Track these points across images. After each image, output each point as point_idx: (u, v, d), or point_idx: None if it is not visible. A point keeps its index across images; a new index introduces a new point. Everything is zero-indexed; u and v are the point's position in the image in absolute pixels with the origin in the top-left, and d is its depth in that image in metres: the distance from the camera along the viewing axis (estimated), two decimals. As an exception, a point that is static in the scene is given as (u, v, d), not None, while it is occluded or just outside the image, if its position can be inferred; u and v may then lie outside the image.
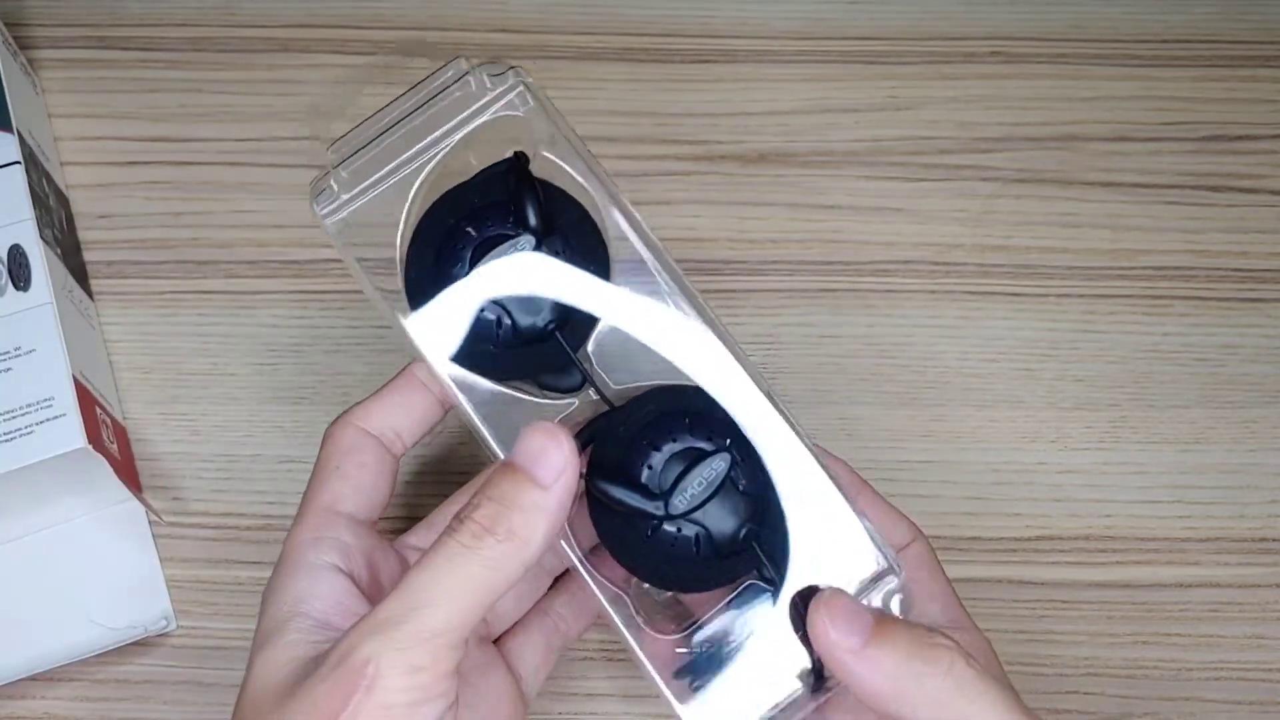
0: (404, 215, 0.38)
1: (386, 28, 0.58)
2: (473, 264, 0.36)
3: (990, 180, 0.55)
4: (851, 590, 0.35)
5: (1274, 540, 0.48)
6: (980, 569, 0.46)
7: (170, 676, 0.45)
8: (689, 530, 0.35)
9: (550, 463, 0.33)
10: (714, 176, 0.55)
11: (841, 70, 0.57)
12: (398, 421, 0.38)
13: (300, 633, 0.34)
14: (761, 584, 0.36)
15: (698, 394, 0.37)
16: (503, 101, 0.38)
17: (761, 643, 0.36)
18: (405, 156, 0.38)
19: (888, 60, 0.57)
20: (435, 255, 0.37)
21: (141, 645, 0.45)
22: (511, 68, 0.39)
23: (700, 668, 0.36)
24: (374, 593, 0.36)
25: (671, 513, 0.35)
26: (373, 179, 0.38)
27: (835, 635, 0.33)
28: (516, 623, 0.41)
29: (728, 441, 0.36)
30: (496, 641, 0.40)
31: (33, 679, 0.44)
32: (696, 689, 0.36)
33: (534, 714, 0.44)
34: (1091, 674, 0.47)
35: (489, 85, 0.38)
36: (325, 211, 0.38)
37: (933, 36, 0.58)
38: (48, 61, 0.57)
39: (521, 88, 0.38)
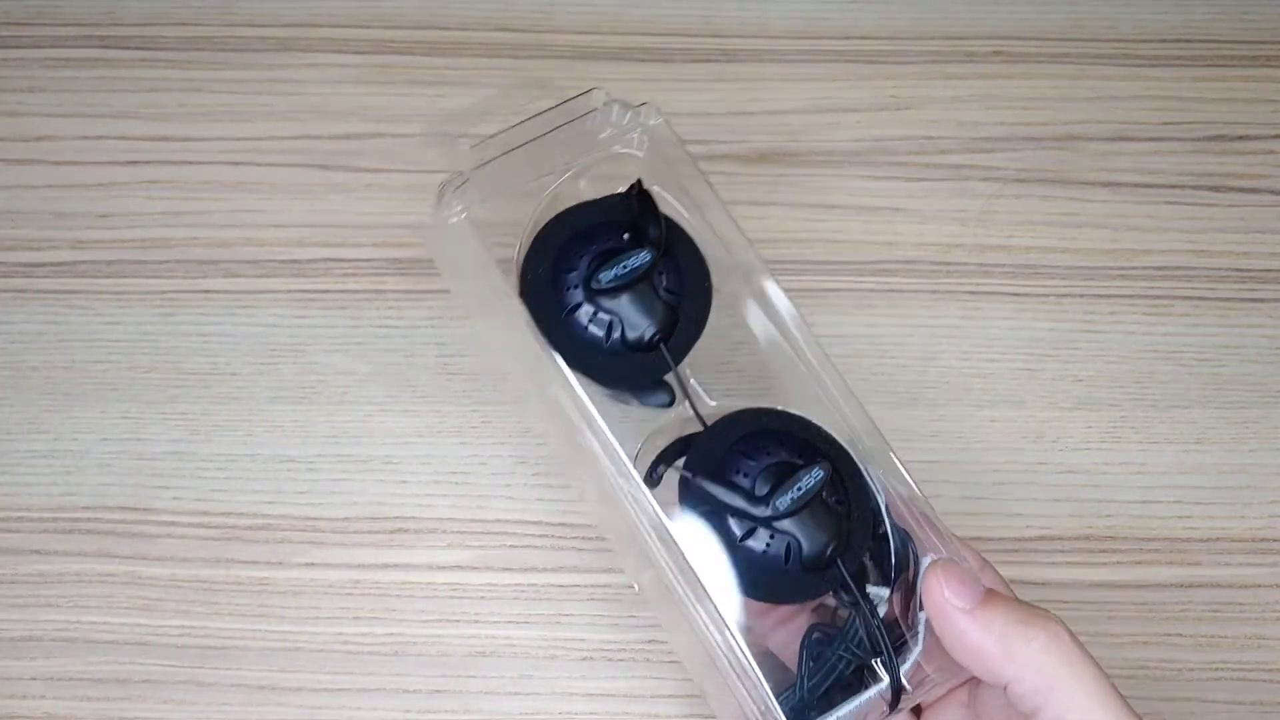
0: (530, 223, 0.40)
1: (387, 27, 0.58)
2: (590, 271, 0.38)
3: (991, 180, 0.55)
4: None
5: (1274, 540, 0.48)
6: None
7: (170, 676, 0.45)
8: (780, 539, 0.36)
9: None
10: (714, 176, 0.54)
11: (842, 70, 0.57)
12: None
13: None
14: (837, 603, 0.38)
15: (791, 417, 0.39)
16: (630, 136, 0.42)
17: (842, 663, 0.37)
18: (535, 171, 0.41)
19: (888, 60, 0.57)
20: (555, 260, 0.39)
21: (141, 645, 0.45)
22: (644, 104, 0.41)
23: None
24: None
25: (771, 515, 0.36)
26: (503, 187, 0.41)
27: (950, 594, 0.35)
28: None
29: (822, 459, 0.37)
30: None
31: (33, 678, 0.44)
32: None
33: (534, 714, 0.44)
34: (1092, 674, 0.47)
35: (623, 120, 0.41)
36: (455, 209, 0.40)
37: (933, 36, 0.58)
38: (48, 61, 0.57)
39: (641, 127, 0.41)
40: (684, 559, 0.37)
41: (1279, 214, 0.54)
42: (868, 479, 0.39)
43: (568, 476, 0.44)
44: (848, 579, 0.37)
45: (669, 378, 0.40)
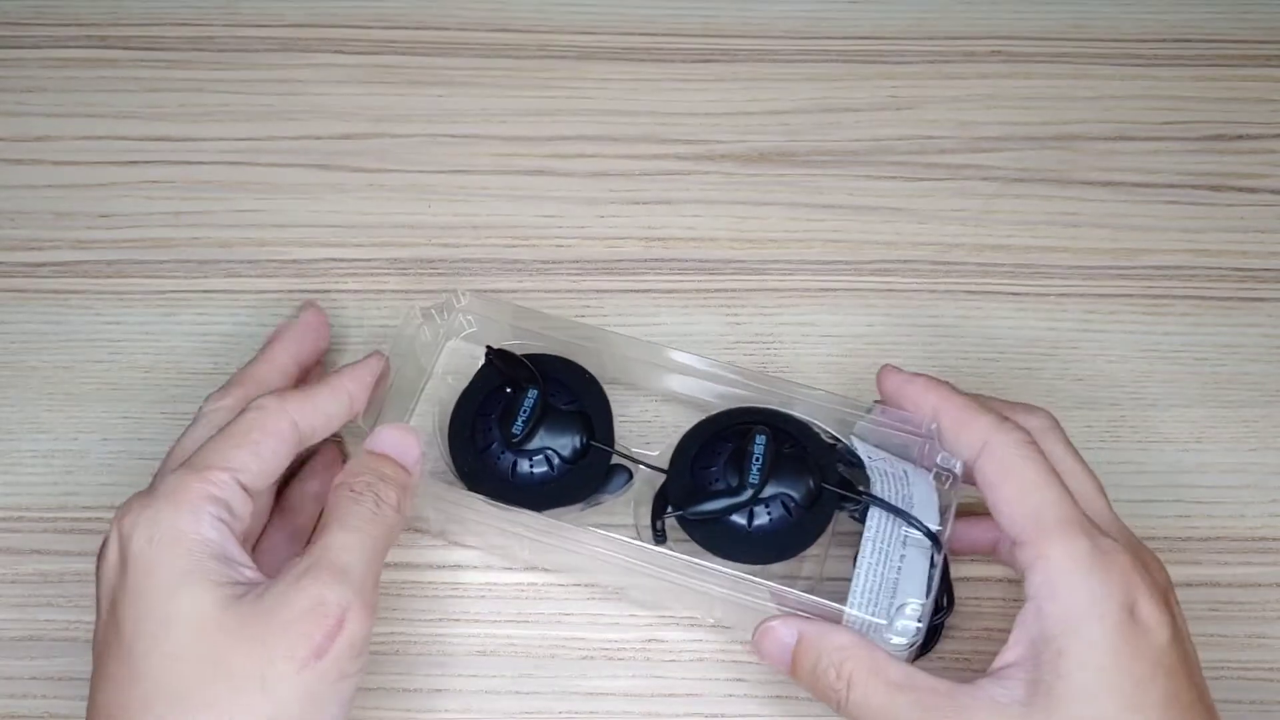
0: (435, 430, 0.46)
1: (387, 27, 0.58)
2: (504, 433, 0.44)
3: (991, 180, 0.55)
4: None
5: (1274, 540, 0.48)
6: (981, 568, 0.46)
7: (171, 676, 0.45)
8: (775, 503, 0.42)
9: (410, 452, 0.40)
10: (714, 176, 0.55)
11: (842, 70, 0.57)
12: (319, 422, 0.41)
13: (218, 577, 0.36)
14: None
15: (713, 417, 0.45)
16: (458, 325, 0.48)
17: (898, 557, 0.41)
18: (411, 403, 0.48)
19: (888, 60, 0.58)
20: (476, 445, 0.44)
21: (142, 645, 0.45)
22: (447, 293, 0.47)
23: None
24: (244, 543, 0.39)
25: (754, 493, 0.42)
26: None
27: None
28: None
29: (755, 426, 0.43)
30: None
31: (33, 678, 0.44)
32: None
33: (535, 713, 0.44)
34: (1092, 673, 0.47)
35: (441, 320, 0.47)
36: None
37: (933, 36, 0.58)
38: (48, 61, 0.57)
39: (460, 313, 0.48)
40: (727, 574, 0.41)
41: (1279, 213, 0.54)
42: (795, 415, 0.44)
43: (622, 597, 0.46)
44: (841, 491, 0.43)
45: (615, 461, 0.45)
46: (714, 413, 0.45)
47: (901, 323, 0.51)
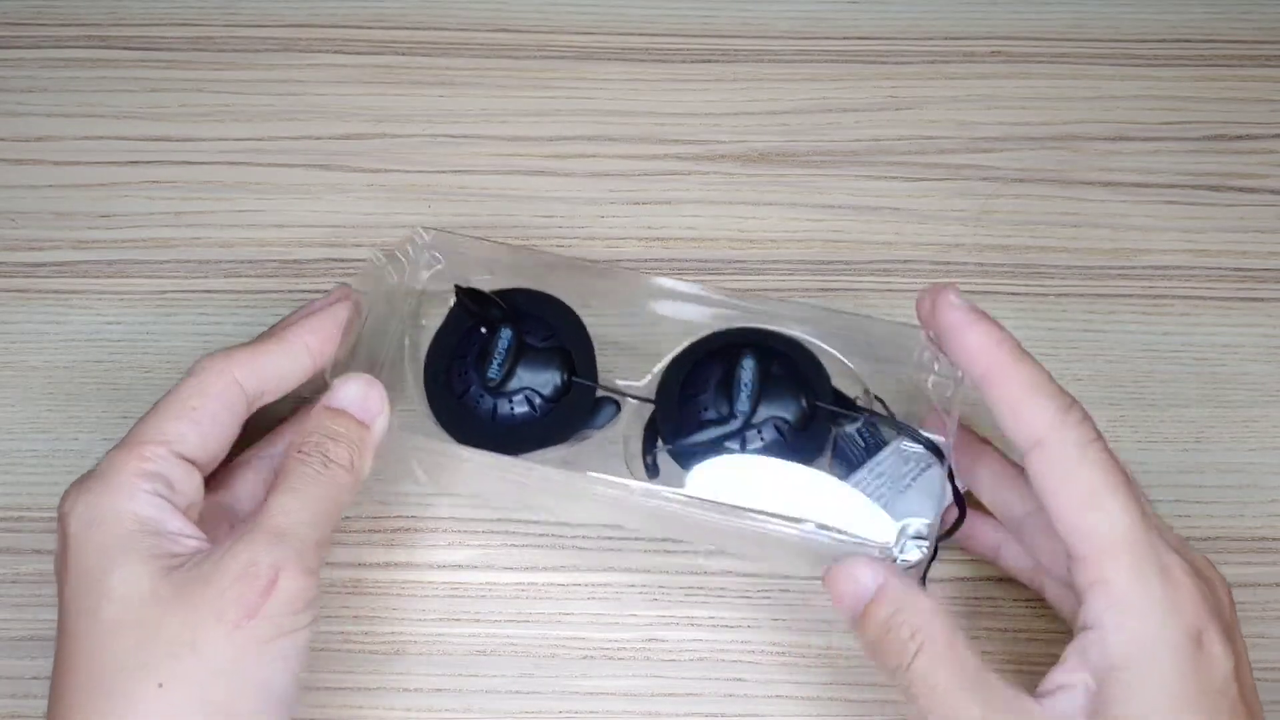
0: (413, 379, 0.45)
1: (387, 27, 0.58)
2: (481, 376, 0.43)
3: (990, 180, 0.55)
4: None
5: (1274, 540, 0.48)
6: (981, 568, 0.46)
7: (171, 676, 0.45)
8: (768, 428, 0.41)
9: (371, 407, 0.39)
10: (714, 176, 0.55)
11: (842, 70, 0.57)
12: (269, 379, 0.40)
13: (152, 550, 0.36)
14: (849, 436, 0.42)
15: (699, 341, 0.44)
16: (424, 262, 0.46)
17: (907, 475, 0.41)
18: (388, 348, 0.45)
19: (888, 60, 0.58)
20: (456, 391, 0.43)
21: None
22: (410, 231, 0.46)
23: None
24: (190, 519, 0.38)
25: (745, 420, 0.41)
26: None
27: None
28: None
29: (742, 349, 0.42)
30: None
31: (34, 678, 0.44)
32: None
33: (535, 713, 0.44)
34: (1091, 673, 0.47)
35: (405, 259, 0.45)
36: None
37: (933, 36, 0.58)
38: (48, 61, 0.57)
39: (425, 249, 0.46)
40: (730, 505, 0.40)
41: (1278, 214, 0.54)
42: (784, 332, 0.43)
43: (623, 522, 0.46)
44: (836, 408, 0.42)
45: (600, 394, 0.44)
46: (700, 336, 0.44)
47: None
